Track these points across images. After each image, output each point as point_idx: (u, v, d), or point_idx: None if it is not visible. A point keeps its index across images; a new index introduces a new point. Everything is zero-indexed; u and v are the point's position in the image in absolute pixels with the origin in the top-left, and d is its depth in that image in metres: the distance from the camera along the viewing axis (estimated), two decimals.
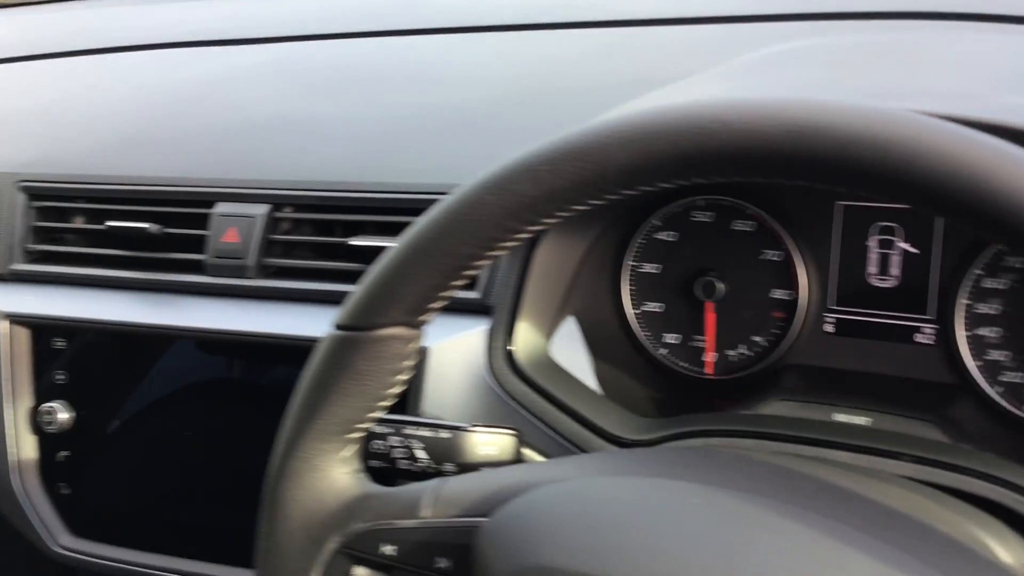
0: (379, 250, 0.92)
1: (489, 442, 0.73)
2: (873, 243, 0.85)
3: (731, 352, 0.90)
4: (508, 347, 0.85)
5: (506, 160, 0.54)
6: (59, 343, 1.02)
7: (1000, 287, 0.82)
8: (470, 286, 0.88)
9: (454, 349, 0.85)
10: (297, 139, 1.03)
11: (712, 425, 0.76)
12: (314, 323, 0.94)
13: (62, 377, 1.02)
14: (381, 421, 0.71)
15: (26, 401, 1.03)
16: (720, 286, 0.89)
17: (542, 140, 0.54)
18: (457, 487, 0.59)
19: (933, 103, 0.71)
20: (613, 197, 0.53)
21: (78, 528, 1.03)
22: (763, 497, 0.52)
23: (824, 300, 0.87)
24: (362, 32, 1.20)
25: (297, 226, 1.00)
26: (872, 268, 0.86)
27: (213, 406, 0.99)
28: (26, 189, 1.08)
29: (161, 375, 1.00)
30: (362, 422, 0.60)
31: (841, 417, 0.80)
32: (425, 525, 0.58)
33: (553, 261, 0.88)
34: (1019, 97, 0.78)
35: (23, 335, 1.04)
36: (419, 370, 0.85)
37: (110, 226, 1.02)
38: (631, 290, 0.93)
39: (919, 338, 0.85)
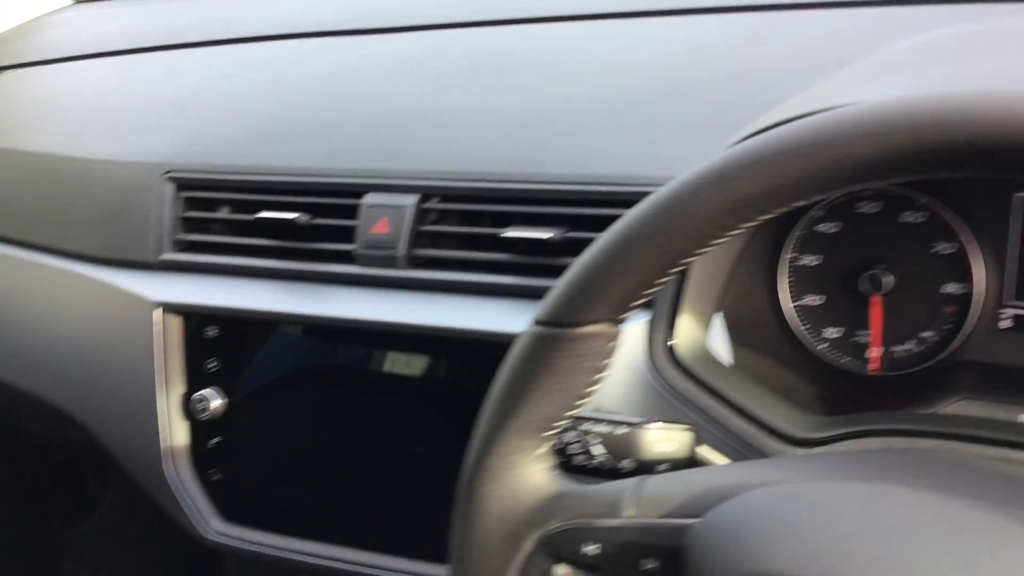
0: (533, 242, 0.94)
1: (666, 438, 0.72)
2: None
3: (898, 348, 0.87)
4: (669, 342, 0.83)
5: (723, 154, 0.52)
6: (211, 331, 1.04)
7: None
8: None
9: None
10: (442, 129, 1.03)
11: (891, 424, 0.73)
12: (466, 314, 0.94)
13: (214, 365, 1.04)
14: None
15: (178, 388, 1.05)
16: (887, 279, 0.86)
17: (758, 134, 0.53)
18: (661, 486, 0.58)
19: None
20: (837, 193, 0.51)
21: (229, 514, 1.05)
22: (1000, 505, 0.50)
23: (1000, 294, 0.84)
24: (498, 20, 1.19)
25: (443, 217, 1.00)
26: None
27: (362, 396, 0.99)
28: (174, 179, 1.10)
29: (311, 364, 1.01)
30: (560, 420, 0.59)
31: None
32: (629, 525, 0.57)
33: (712, 254, 0.86)
34: None
35: (175, 323, 1.05)
36: None
37: (261, 217, 1.03)
38: (790, 282, 0.91)
39: None
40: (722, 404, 0.80)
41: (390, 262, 0.97)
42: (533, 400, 0.58)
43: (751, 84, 0.96)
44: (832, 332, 0.90)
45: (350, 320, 0.97)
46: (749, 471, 0.59)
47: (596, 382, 0.59)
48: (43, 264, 1.20)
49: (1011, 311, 0.84)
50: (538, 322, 0.58)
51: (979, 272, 0.84)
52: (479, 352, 0.94)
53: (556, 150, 0.97)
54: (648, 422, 0.71)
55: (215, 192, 1.09)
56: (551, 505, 0.59)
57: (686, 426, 0.73)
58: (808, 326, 0.91)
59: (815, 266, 0.90)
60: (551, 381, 0.58)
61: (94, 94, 1.33)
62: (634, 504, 0.57)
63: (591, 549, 0.57)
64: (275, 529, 1.03)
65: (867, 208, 0.88)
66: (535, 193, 0.94)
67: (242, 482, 1.04)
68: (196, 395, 1.03)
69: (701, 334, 0.86)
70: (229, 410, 1.04)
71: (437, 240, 0.99)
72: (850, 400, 0.86)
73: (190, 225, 1.10)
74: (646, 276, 0.55)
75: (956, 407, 0.79)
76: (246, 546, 1.03)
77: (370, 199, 0.99)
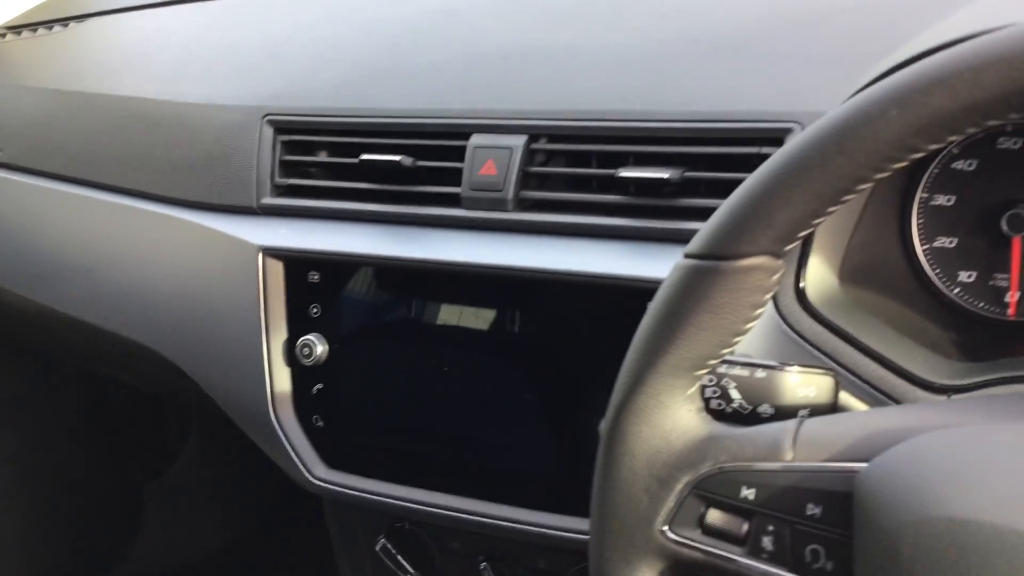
0: (648, 182, 0.90)
1: (806, 383, 0.68)
2: None
3: None
4: (799, 284, 0.80)
5: (910, 70, 0.48)
6: (314, 276, 1.02)
7: None
8: None
9: None
10: (550, 68, 1.00)
11: None
12: (578, 257, 0.91)
13: (316, 310, 1.03)
14: None
15: (282, 334, 1.04)
16: None
17: (948, 47, 0.48)
18: (823, 430, 0.55)
19: None
20: None
21: (332, 460, 1.04)
22: None
23: None
24: None
25: (551, 158, 0.97)
26: None
27: (467, 340, 0.97)
28: (273, 123, 1.08)
29: (415, 309, 0.99)
30: (715, 358, 0.56)
31: None
32: (791, 469, 0.54)
33: None
34: None
35: (277, 268, 1.04)
36: None
37: (364, 160, 1.00)
38: (919, 223, 0.87)
39: None
40: (856, 350, 0.77)
41: (497, 204, 0.95)
42: (687, 337, 0.55)
43: (879, 17, 0.91)
44: (966, 276, 0.86)
45: (457, 264, 0.95)
46: (915, 414, 0.56)
47: (755, 318, 0.56)
48: (138, 209, 1.19)
49: None
50: (692, 255, 0.55)
51: None
52: (591, 296, 0.91)
53: (672, 87, 0.93)
54: (787, 365, 0.68)
55: (315, 136, 1.07)
56: (703, 448, 0.56)
57: (826, 371, 0.69)
58: (939, 270, 0.86)
59: (949, 206, 0.86)
60: (707, 317, 0.55)
61: (186, 39, 1.32)
62: (793, 447, 0.55)
63: (748, 493, 0.55)
64: (377, 475, 1.02)
65: (1009, 144, 0.83)
66: (651, 131, 0.90)
67: (344, 429, 1.03)
68: (301, 340, 1.01)
69: (832, 277, 0.82)
70: (331, 356, 1.02)
71: (545, 182, 0.96)
72: (989, 346, 0.82)
73: (290, 169, 1.08)
74: (817, 203, 0.51)
75: None
76: (350, 492, 1.02)
77: (476, 140, 0.96)
